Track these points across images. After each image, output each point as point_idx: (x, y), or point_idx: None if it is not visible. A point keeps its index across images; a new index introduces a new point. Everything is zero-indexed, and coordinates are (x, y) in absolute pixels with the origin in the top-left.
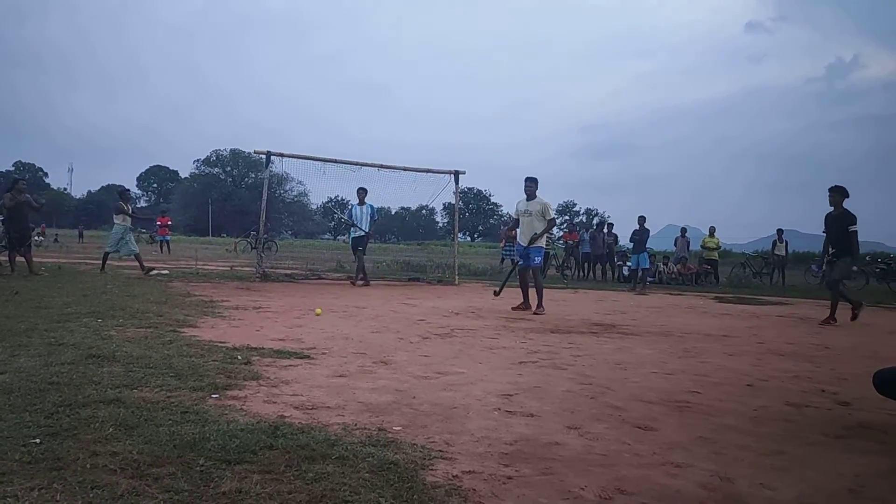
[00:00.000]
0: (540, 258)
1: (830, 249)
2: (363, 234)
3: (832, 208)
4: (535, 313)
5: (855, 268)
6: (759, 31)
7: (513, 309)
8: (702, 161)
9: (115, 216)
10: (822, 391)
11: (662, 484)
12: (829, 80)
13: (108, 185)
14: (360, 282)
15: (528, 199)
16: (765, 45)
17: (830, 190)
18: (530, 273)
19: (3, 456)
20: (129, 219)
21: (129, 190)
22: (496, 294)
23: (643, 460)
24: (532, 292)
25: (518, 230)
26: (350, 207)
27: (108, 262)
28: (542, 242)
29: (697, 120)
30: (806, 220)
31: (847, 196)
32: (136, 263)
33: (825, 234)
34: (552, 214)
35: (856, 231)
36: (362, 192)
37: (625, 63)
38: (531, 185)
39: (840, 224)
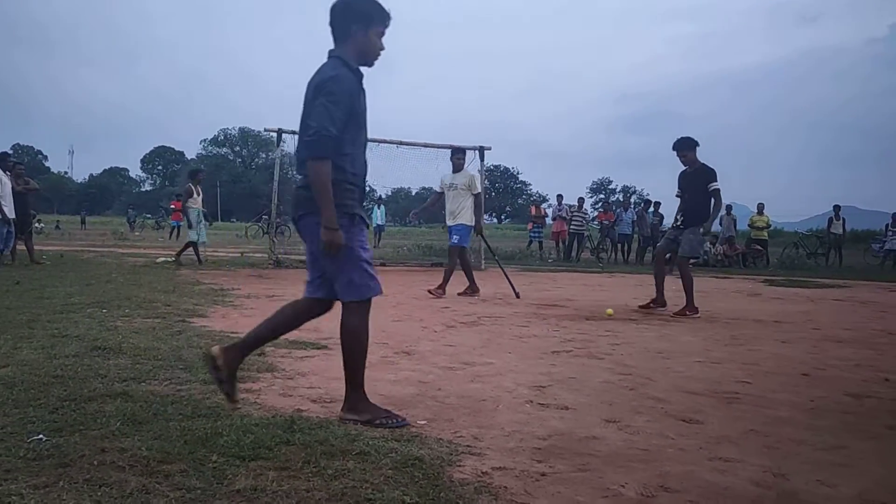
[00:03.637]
0: (458, 237)
1: (679, 217)
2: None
3: (686, 167)
4: (429, 291)
5: (704, 235)
6: None
7: (459, 294)
8: (747, 131)
9: (188, 200)
10: (885, 380)
11: (710, 481)
12: (894, 40)
13: (111, 168)
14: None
15: (454, 172)
16: (821, 3)
17: (678, 145)
18: (466, 253)
19: (7, 453)
20: (199, 201)
21: (202, 170)
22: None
23: (688, 456)
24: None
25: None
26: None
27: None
28: (466, 220)
29: (744, 86)
30: (865, 196)
31: (698, 145)
32: (176, 251)
33: (679, 197)
34: (479, 188)
35: (718, 189)
36: None
37: (664, 27)
38: (460, 157)
39: (698, 182)
